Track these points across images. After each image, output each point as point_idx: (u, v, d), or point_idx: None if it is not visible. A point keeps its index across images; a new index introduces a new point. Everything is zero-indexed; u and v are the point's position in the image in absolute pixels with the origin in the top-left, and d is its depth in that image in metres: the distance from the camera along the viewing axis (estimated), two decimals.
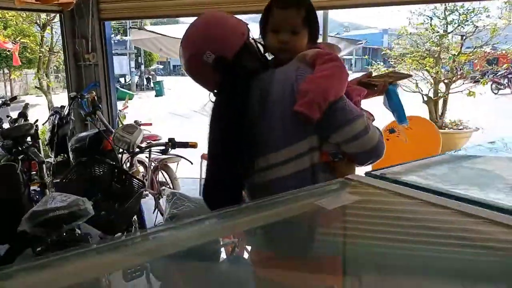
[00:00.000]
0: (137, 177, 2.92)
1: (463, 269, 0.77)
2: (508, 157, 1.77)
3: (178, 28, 7.58)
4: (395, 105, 1.50)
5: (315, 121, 1.22)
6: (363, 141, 1.25)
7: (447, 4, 6.67)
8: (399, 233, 0.92)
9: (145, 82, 28.32)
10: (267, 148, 1.29)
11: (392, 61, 7.81)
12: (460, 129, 6.90)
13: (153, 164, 4.55)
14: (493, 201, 0.78)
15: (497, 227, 0.70)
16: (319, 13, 5.56)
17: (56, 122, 4.25)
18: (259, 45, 1.43)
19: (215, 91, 1.41)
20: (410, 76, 1.73)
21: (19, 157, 2.93)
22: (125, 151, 2.81)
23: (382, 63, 9.86)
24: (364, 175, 0.99)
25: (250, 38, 1.39)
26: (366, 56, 28.34)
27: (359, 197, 0.93)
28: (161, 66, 43.08)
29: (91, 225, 2.68)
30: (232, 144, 1.30)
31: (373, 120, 1.42)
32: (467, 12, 6.85)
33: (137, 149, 2.76)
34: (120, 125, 4.16)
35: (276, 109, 1.29)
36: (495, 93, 19.77)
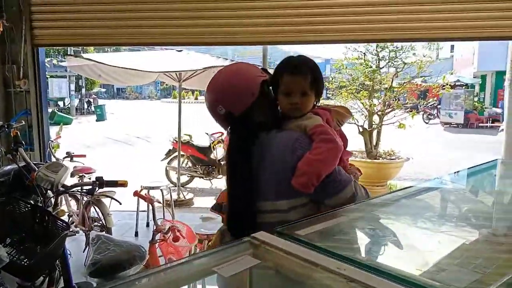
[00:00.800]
0: (62, 217, 2.76)
1: None
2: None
3: (119, 56, 7.45)
4: None
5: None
6: (352, 201, 1.49)
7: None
8: None
9: (85, 106, 27.23)
10: (267, 195, 1.50)
11: (330, 93, 8.19)
12: (392, 159, 7.30)
13: (85, 198, 4.34)
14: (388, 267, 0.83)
15: None
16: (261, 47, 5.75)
17: None
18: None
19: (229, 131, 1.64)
20: (351, 115, 1.92)
21: None
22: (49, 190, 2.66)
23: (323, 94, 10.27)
24: (273, 234, 1.01)
25: (265, 90, 1.56)
26: None
27: (260, 260, 0.95)
28: (103, 90, 41.79)
29: (8, 271, 2.48)
30: (252, 183, 1.50)
31: (360, 174, 1.72)
32: (396, 50, 7.40)
33: (62, 188, 2.62)
34: (48, 161, 3.95)
35: (274, 166, 1.49)
36: (427, 123, 21.34)
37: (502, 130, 6.31)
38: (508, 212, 2.18)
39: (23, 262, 2.49)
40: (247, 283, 0.97)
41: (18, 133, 3.14)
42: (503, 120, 6.99)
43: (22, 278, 2.50)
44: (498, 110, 19.14)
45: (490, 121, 19.47)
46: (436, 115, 22.24)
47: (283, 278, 0.97)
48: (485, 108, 20.99)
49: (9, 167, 3.25)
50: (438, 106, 21.56)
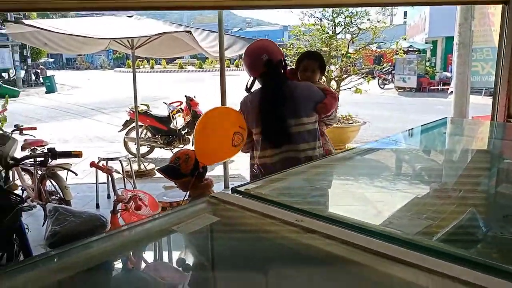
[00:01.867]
0: (15, 191, 2.64)
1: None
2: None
3: (66, 22, 6.99)
4: None
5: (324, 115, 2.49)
6: (336, 119, 2.76)
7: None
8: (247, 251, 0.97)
9: (33, 77, 25.63)
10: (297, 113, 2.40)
11: (289, 59, 8.19)
12: (350, 123, 7.52)
13: (39, 172, 4.17)
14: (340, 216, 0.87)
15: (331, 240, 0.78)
16: (216, 12, 5.59)
17: None
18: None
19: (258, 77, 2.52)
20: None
21: None
22: None
23: None
24: (229, 193, 1.03)
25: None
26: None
27: (218, 218, 0.96)
28: (51, 60, 39.44)
29: None
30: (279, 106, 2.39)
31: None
32: (351, 15, 7.47)
33: (12, 161, 2.49)
34: None
35: (302, 99, 2.41)
36: (382, 88, 21.98)
37: (451, 92, 6.63)
38: (456, 167, 2.33)
39: None
40: (208, 240, 0.99)
41: None
42: (452, 84, 7.33)
43: None
44: (448, 74, 19.99)
45: (441, 85, 20.36)
46: (390, 80, 22.93)
47: (243, 233, 0.99)
48: (436, 72, 21.88)
49: None
50: (393, 72, 22.21)
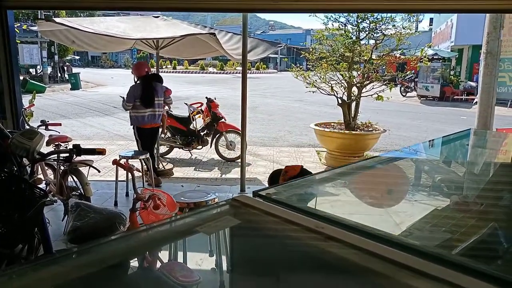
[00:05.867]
0: (39, 185, 2.72)
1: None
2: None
3: (94, 21, 7.15)
4: None
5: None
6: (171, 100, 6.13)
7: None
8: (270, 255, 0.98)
9: (59, 74, 26.30)
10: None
11: (310, 64, 8.17)
12: (370, 130, 7.43)
13: (62, 167, 4.28)
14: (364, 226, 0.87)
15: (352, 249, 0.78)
16: (240, 14, 5.63)
17: None
18: None
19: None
20: None
21: None
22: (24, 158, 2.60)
23: (303, 65, 10.31)
24: (251, 196, 1.04)
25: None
26: (286, 59, 29.63)
27: (240, 220, 0.98)
28: (77, 57, 40.38)
29: None
30: None
31: None
32: (376, 21, 7.40)
33: (38, 156, 2.57)
34: (22, 129, 3.83)
35: (159, 88, 5.67)
36: (404, 95, 21.69)
37: (476, 103, 6.49)
38: (478, 180, 2.28)
39: (0, 229, 2.48)
40: (229, 242, 1.00)
41: None
42: (477, 94, 7.17)
43: (1, 245, 2.48)
44: (473, 84, 19.58)
45: (465, 94, 19.94)
46: (413, 88, 22.59)
47: (263, 237, 1.00)
48: (461, 81, 21.45)
49: None
50: (416, 79, 21.89)
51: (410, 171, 2.35)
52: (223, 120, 7.62)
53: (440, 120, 13.69)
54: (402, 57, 8.65)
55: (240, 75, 5.77)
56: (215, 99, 7.82)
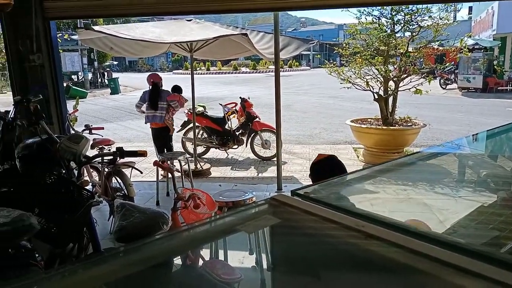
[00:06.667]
0: (86, 187, 2.86)
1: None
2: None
3: (130, 27, 7.39)
4: None
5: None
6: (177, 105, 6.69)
7: None
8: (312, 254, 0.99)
9: (99, 79, 27.38)
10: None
11: (344, 60, 8.04)
12: (409, 125, 7.23)
13: (106, 169, 4.46)
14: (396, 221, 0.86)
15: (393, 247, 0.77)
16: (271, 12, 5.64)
17: (1, 128, 4.05)
18: None
19: None
20: None
21: None
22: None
23: (337, 61, 10.18)
24: (289, 195, 1.05)
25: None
26: (318, 55, 29.28)
27: (279, 219, 0.99)
28: (116, 63, 41.82)
29: (40, 238, 2.61)
30: None
31: None
32: (411, 13, 7.18)
33: (84, 159, 2.70)
34: (68, 134, 4.03)
35: (163, 94, 6.52)
36: (444, 88, 20.88)
37: None
38: None
39: (52, 230, 2.63)
40: (270, 241, 1.02)
41: (38, 106, 3.21)
42: None
43: (53, 245, 2.64)
44: None
45: (510, 85, 18.94)
46: (453, 80, 21.71)
47: (304, 236, 1.01)
48: (505, 71, 20.36)
49: (31, 140, 3.34)
50: (456, 71, 21.02)
51: (453, 166, 2.27)
52: (257, 119, 7.67)
53: (484, 113, 13.10)
54: (440, 48, 8.34)
55: (273, 73, 5.79)
56: (249, 98, 7.88)
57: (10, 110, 4.36)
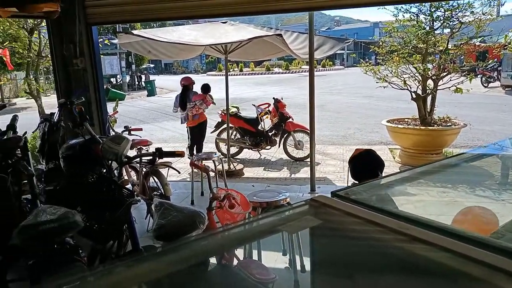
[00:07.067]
0: (126, 186, 2.96)
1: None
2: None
3: (167, 31, 7.57)
4: None
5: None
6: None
7: None
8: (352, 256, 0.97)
9: (137, 82, 28.23)
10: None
11: (380, 58, 7.88)
12: (448, 125, 6.99)
13: (144, 169, 4.59)
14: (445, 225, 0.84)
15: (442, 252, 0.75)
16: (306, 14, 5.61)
17: (46, 129, 4.26)
18: None
19: None
20: None
21: (9, 170, 2.96)
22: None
23: (372, 60, 9.97)
24: (329, 196, 1.05)
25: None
26: (353, 54, 28.74)
27: (320, 220, 0.99)
28: (152, 65, 42.91)
29: (83, 235, 2.73)
30: None
31: None
32: (452, 8, 6.93)
33: (125, 159, 2.80)
34: (109, 135, 4.18)
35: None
36: (486, 86, 19.98)
37: None
38: None
39: (94, 227, 2.74)
40: (309, 242, 1.02)
41: (83, 108, 3.36)
42: None
43: (96, 241, 2.74)
44: None
45: None
46: (496, 77, 20.72)
47: (346, 238, 1.00)
48: None
49: (74, 141, 3.50)
50: (499, 68, 20.05)
51: (497, 168, 2.18)
52: (290, 119, 7.65)
53: None
54: (482, 45, 7.99)
55: (306, 73, 5.77)
56: (282, 99, 7.87)
57: (54, 112, 4.59)
